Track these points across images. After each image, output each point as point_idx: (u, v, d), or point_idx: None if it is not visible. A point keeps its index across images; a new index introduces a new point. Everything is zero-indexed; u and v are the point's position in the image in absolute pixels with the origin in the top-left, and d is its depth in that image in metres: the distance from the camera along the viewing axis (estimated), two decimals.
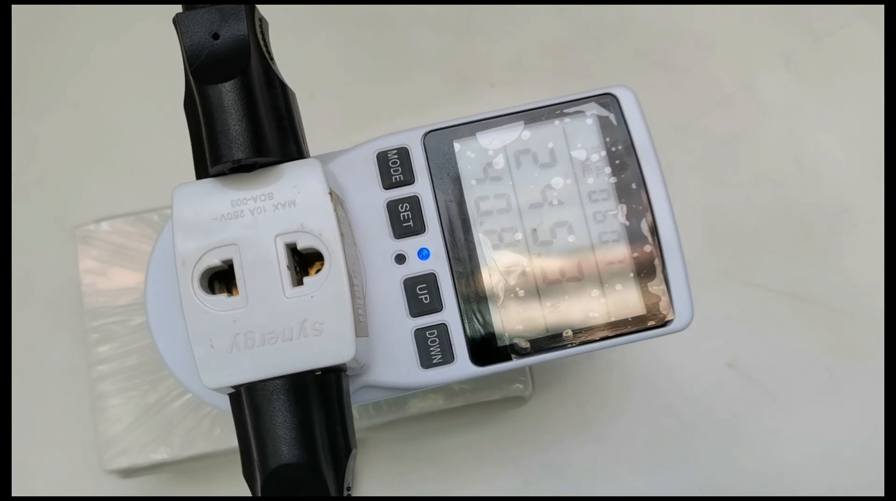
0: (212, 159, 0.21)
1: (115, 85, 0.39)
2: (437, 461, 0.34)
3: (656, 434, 0.35)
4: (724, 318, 0.36)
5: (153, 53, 0.39)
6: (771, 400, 0.35)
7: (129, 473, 0.30)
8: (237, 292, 0.21)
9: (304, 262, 0.22)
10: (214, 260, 0.21)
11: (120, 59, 0.39)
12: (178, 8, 0.22)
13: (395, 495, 0.34)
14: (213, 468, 0.33)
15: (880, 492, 0.34)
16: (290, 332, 0.21)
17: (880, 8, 0.38)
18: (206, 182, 0.22)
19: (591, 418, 0.35)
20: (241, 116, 0.21)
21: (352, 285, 0.22)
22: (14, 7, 0.40)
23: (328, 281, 0.21)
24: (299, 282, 0.21)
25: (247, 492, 0.21)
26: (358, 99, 0.39)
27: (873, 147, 0.37)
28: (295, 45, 0.39)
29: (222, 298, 0.21)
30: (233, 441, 0.29)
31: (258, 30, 0.22)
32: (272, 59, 0.23)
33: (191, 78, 0.21)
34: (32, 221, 0.37)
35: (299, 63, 0.39)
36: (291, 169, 0.22)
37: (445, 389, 0.30)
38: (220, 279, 0.22)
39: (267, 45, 0.23)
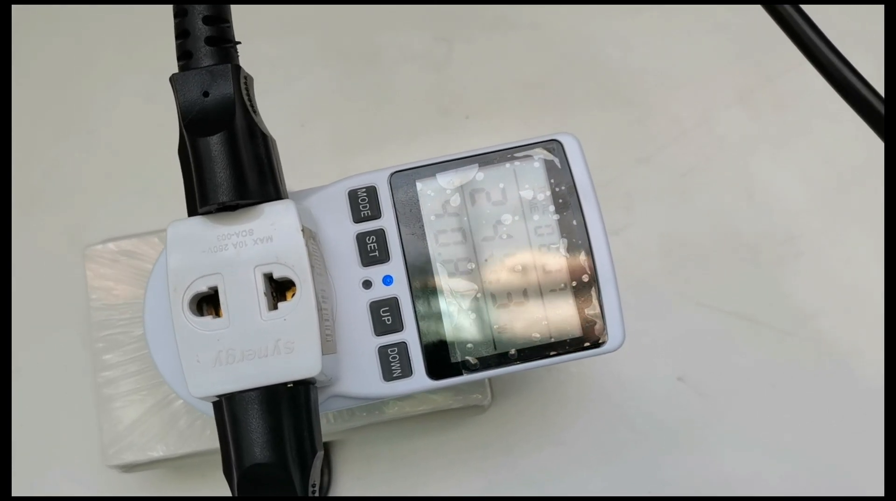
0: (200, 201, 0.24)
1: (128, 113, 0.42)
2: (408, 461, 0.37)
3: (612, 441, 0.38)
4: (675, 335, 0.39)
5: (164, 86, 0.42)
6: (717, 412, 0.38)
7: (129, 468, 0.33)
8: (221, 315, 0.25)
9: (279, 288, 0.26)
10: (202, 287, 0.25)
11: (134, 90, 0.43)
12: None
13: (369, 495, 0.37)
14: (204, 464, 0.36)
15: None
16: (266, 350, 0.24)
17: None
18: (196, 219, 0.25)
19: (551, 424, 0.38)
20: (226, 165, 0.24)
21: (320, 309, 0.25)
22: (39, 42, 0.43)
23: (299, 307, 0.24)
24: (274, 306, 0.25)
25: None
26: (346, 128, 0.42)
27: (818, 180, 0.40)
28: (289, 78, 0.43)
29: (208, 319, 0.25)
30: None
31: (243, 87, 0.25)
32: (256, 111, 0.26)
33: (184, 130, 0.25)
34: (49, 237, 0.40)
35: (293, 94, 0.43)
36: (270, 209, 0.25)
37: (412, 397, 0.33)
38: (207, 302, 0.26)
39: (251, 100, 0.26)
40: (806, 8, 0.42)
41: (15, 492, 0.37)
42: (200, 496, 0.37)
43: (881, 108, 0.25)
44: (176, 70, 0.25)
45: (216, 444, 0.32)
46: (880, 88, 0.40)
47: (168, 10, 0.25)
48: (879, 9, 0.41)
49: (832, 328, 0.38)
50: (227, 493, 0.36)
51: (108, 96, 0.43)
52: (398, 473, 0.37)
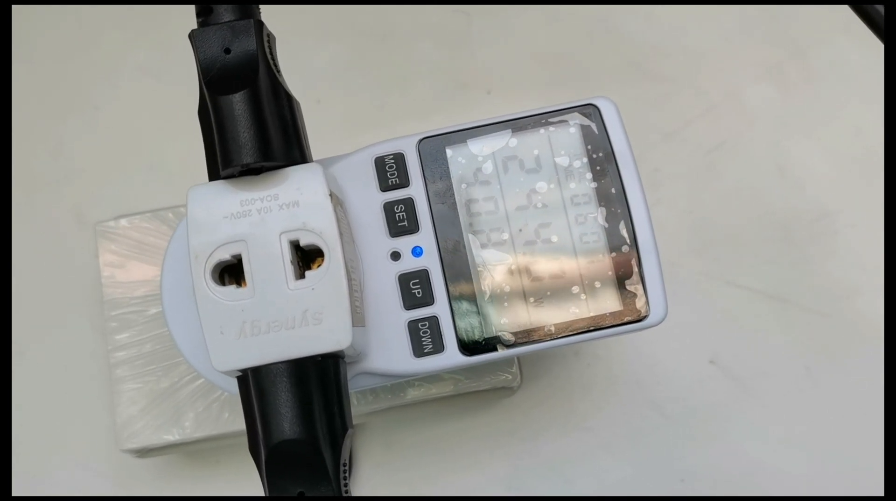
0: (223, 163, 0.23)
1: (134, 89, 0.41)
2: (431, 447, 0.36)
3: (639, 426, 0.37)
4: (706, 317, 0.37)
5: (170, 61, 0.41)
6: (749, 396, 0.37)
7: (143, 453, 0.32)
8: (245, 284, 0.23)
9: (306, 257, 0.24)
10: (225, 255, 0.23)
11: (139, 65, 0.41)
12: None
13: (391, 481, 0.36)
14: (220, 449, 0.35)
15: (850, 484, 0.35)
16: (293, 321, 0.23)
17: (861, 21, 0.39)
18: (218, 184, 0.24)
19: (578, 409, 0.36)
20: (250, 124, 0.23)
21: (349, 278, 0.24)
22: (43, 19, 0.42)
23: (327, 275, 0.23)
24: (301, 276, 0.23)
25: (251, 472, 0.23)
26: (363, 105, 0.41)
27: (853, 155, 0.39)
28: (305, 54, 0.41)
29: (231, 289, 0.23)
30: (239, 425, 0.31)
31: (266, 45, 0.24)
32: (279, 71, 0.25)
33: (204, 89, 0.23)
34: (55, 216, 0.39)
35: (309, 70, 0.41)
36: (295, 172, 0.24)
37: (438, 378, 0.32)
38: (230, 272, 0.24)
39: (274, 59, 0.25)
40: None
41: (23, 480, 0.36)
42: (212, 496, 0.35)
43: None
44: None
45: (234, 427, 0.31)
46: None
47: None
48: (879, 9, 0.40)
49: (869, 309, 0.37)
50: (244, 479, 0.35)
51: (113, 73, 0.41)
52: (420, 460, 0.36)
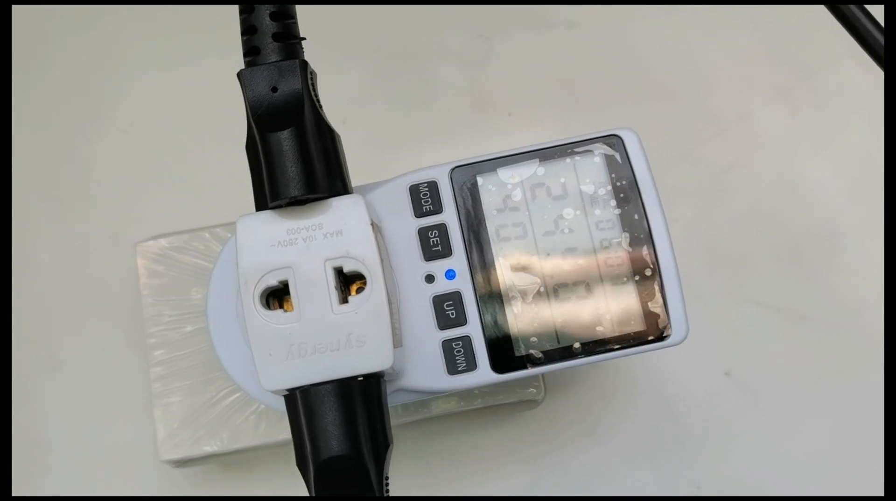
0: (271, 196, 0.24)
1: (166, 109, 0.42)
2: (456, 458, 0.37)
3: (658, 437, 0.38)
4: (720, 331, 0.39)
5: (202, 80, 0.42)
6: (762, 408, 0.38)
7: (181, 463, 0.33)
8: (291, 308, 0.25)
9: (346, 281, 0.26)
10: (272, 281, 0.25)
11: (170, 84, 0.43)
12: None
13: (418, 492, 0.37)
14: (255, 460, 0.36)
15: (862, 492, 0.37)
16: (338, 343, 0.24)
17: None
18: (266, 214, 0.25)
19: (598, 421, 0.38)
20: (297, 159, 0.24)
21: (390, 303, 0.25)
22: (70, 36, 0.43)
23: (370, 300, 0.25)
24: (345, 300, 0.25)
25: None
26: (387, 125, 0.42)
27: (861, 175, 0.40)
28: (331, 76, 0.42)
29: (279, 313, 0.25)
30: (275, 436, 0.32)
31: (309, 82, 0.25)
32: (321, 106, 0.26)
33: (253, 125, 0.25)
34: (91, 236, 0.40)
35: (334, 91, 0.42)
36: (338, 203, 0.25)
37: (466, 392, 0.33)
38: (275, 296, 0.26)
39: (316, 95, 0.26)
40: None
41: (62, 488, 0.37)
42: (252, 496, 0.37)
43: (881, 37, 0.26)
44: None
45: (270, 439, 0.33)
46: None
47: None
48: (879, 9, 0.41)
49: (877, 323, 0.38)
50: (276, 486, 0.37)
51: (142, 92, 0.43)
52: (446, 472, 0.37)
